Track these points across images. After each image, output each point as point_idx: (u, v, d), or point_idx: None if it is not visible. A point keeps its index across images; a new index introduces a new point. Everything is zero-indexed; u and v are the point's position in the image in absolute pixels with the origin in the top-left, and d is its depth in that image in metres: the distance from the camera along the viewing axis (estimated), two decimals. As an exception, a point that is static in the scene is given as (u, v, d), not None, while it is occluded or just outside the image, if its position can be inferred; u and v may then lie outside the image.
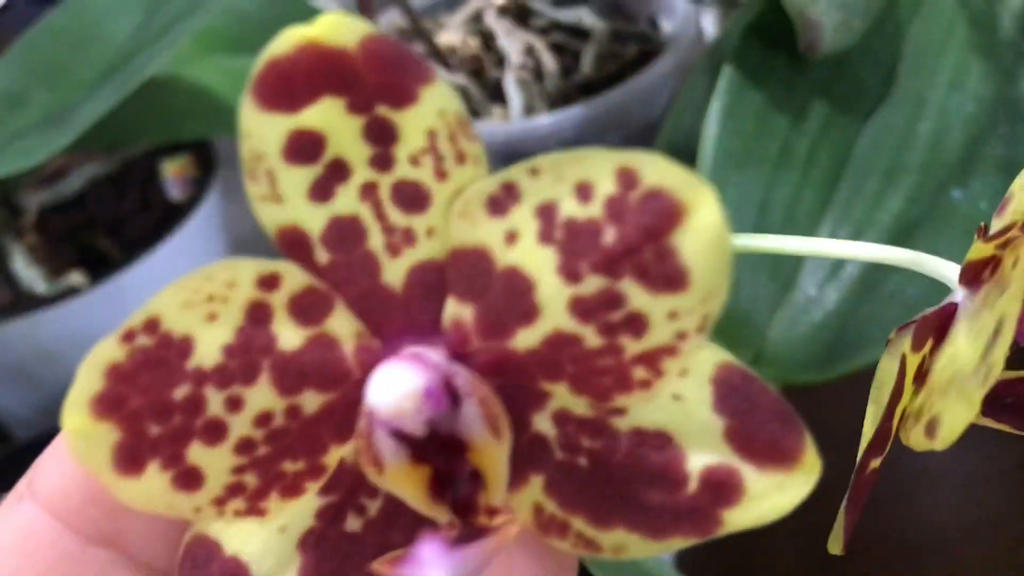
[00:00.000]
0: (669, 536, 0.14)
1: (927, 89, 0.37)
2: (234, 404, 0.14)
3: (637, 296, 0.13)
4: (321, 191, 0.14)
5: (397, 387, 0.13)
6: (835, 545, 0.17)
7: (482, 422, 0.14)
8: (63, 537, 0.16)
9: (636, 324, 0.13)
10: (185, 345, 0.13)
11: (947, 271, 0.18)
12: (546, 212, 0.13)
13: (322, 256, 0.14)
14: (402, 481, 0.14)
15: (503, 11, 0.52)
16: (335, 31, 0.13)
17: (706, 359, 0.14)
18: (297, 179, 0.13)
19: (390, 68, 0.13)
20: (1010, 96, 0.37)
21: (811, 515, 0.47)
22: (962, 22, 0.38)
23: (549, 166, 0.13)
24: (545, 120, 0.46)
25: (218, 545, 0.15)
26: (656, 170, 0.13)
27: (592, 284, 0.13)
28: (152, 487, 0.14)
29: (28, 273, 0.45)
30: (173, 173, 0.47)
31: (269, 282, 0.14)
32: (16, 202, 0.48)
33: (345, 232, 0.14)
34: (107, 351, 0.13)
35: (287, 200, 0.14)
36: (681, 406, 0.14)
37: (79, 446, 0.14)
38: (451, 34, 0.51)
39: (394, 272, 0.14)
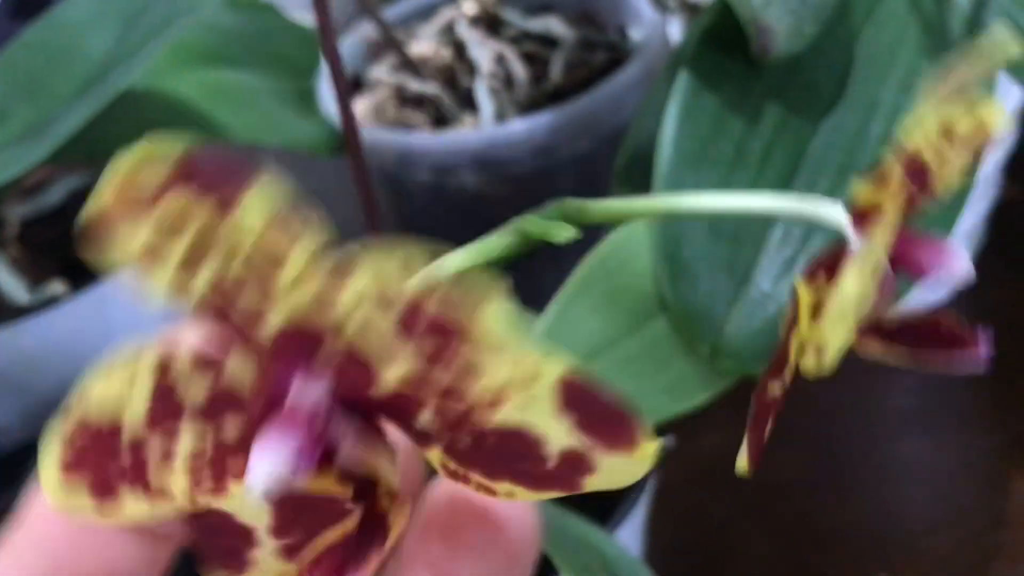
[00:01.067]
0: (545, 490, 0.16)
1: (879, 91, 0.38)
2: (170, 440, 0.16)
3: (451, 374, 0.15)
4: (190, 265, 0.15)
5: (266, 469, 0.15)
6: (742, 465, 0.18)
7: (359, 453, 0.16)
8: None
9: (458, 392, 0.15)
10: (113, 426, 0.16)
11: (837, 215, 0.19)
12: (366, 313, 0.14)
13: (205, 316, 0.15)
14: (314, 484, 0.16)
15: (475, 21, 0.53)
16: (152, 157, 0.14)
17: (550, 375, 0.15)
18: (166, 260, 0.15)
19: (215, 184, 0.14)
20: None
21: (782, 511, 0.49)
22: (913, 27, 0.39)
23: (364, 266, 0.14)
24: (516, 127, 0.47)
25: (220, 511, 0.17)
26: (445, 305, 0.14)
27: (420, 364, 0.15)
28: (133, 507, 0.17)
29: (10, 283, 0.46)
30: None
31: (167, 362, 0.16)
32: (-2, 214, 0.49)
33: (218, 301, 0.15)
34: (53, 444, 0.16)
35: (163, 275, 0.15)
36: (533, 409, 0.15)
37: (64, 501, 0.16)
38: (424, 44, 0.52)
39: (263, 331, 0.15)
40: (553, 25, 0.52)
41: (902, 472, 0.50)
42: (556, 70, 0.51)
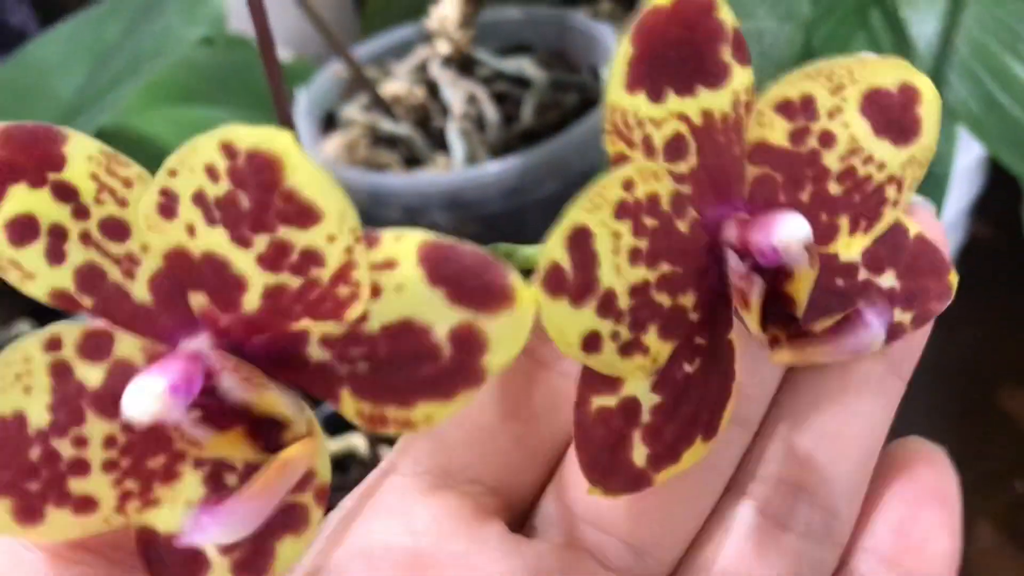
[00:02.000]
0: (457, 393, 0.16)
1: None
2: (80, 442, 0.17)
3: (294, 236, 0.15)
4: (55, 255, 0.16)
5: (142, 398, 0.15)
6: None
7: (242, 384, 0.16)
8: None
9: (312, 257, 0.15)
10: (19, 419, 0.16)
11: None
12: (199, 199, 0.15)
13: (86, 301, 0.16)
14: (223, 447, 0.16)
15: (448, 61, 0.53)
16: None
17: (408, 245, 0.16)
18: (32, 255, 0.16)
19: (31, 147, 0.16)
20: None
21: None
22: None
23: (178, 162, 0.15)
24: (487, 169, 0.47)
25: (156, 532, 0.17)
26: (242, 136, 0.15)
27: (262, 243, 0.15)
28: (59, 524, 0.17)
29: (-25, 322, 0.46)
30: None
31: (53, 344, 0.17)
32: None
33: (89, 276, 0.16)
34: None
35: (36, 274, 0.16)
36: (405, 294, 0.16)
37: None
38: (397, 83, 0.52)
39: (140, 289, 0.16)
40: (526, 66, 0.53)
41: None
42: (527, 112, 0.51)
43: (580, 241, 0.17)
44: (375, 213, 0.48)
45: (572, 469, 0.20)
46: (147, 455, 0.17)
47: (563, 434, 0.21)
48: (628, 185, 0.17)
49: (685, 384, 0.19)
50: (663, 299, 0.18)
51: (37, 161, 0.16)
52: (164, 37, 0.39)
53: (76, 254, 0.16)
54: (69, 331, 0.16)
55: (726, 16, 0.18)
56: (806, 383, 0.21)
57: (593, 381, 0.18)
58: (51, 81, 0.44)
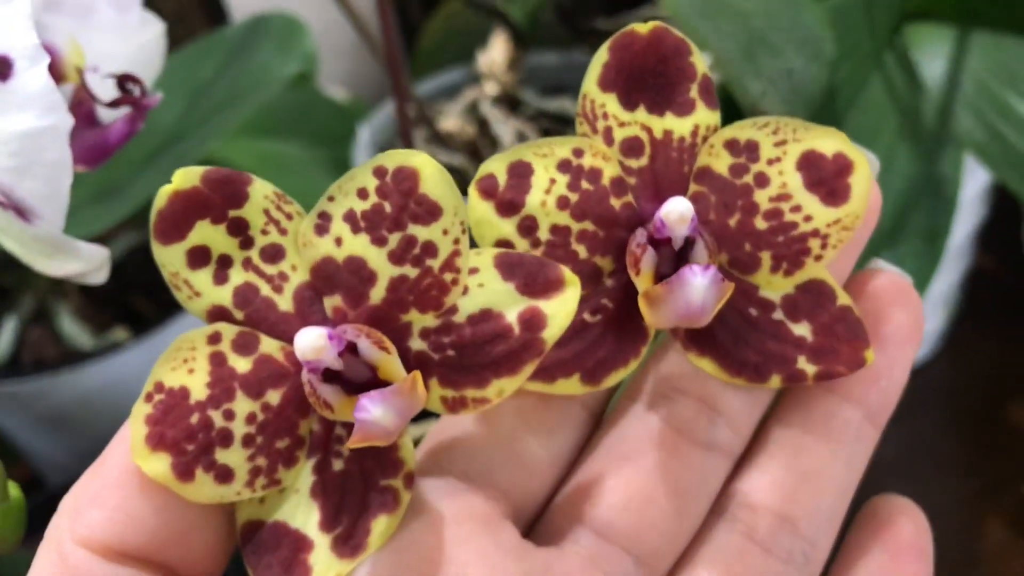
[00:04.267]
0: (523, 366, 0.20)
1: (862, 169, 0.43)
2: (229, 415, 0.20)
3: (419, 231, 0.20)
4: (220, 278, 0.20)
5: (309, 337, 0.19)
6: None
7: (373, 346, 0.20)
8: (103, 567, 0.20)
9: (429, 248, 0.20)
10: (184, 391, 0.20)
11: None
12: (349, 216, 0.20)
13: (238, 315, 0.20)
14: (344, 410, 0.20)
15: (496, 101, 0.58)
16: (186, 179, 0.20)
17: (487, 256, 0.21)
18: (203, 278, 0.20)
19: (226, 186, 0.20)
20: (933, 175, 0.43)
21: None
22: (892, 112, 0.44)
23: (336, 189, 0.20)
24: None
25: (263, 522, 0.21)
26: (391, 158, 0.20)
27: (394, 240, 0.20)
28: (204, 487, 0.20)
29: (73, 330, 0.51)
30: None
31: (215, 338, 0.20)
32: (61, 268, 0.53)
33: (245, 293, 0.21)
34: (140, 409, 0.20)
35: (203, 293, 0.20)
36: (486, 289, 0.21)
37: (153, 472, 0.19)
38: (451, 120, 0.57)
39: (285, 301, 0.21)
40: (567, 105, 0.58)
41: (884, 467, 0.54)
42: (572, 145, 0.56)
43: (520, 170, 0.21)
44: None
45: (579, 482, 0.22)
46: (277, 436, 0.20)
47: (572, 448, 0.23)
48: (578, 152, 0.22)
49: (582, 327, 0.22)
50: (580, 250, 0.22)
51: (225, 198, 0.20)
52: (260, 73, 0.44)
53: (237, 277, 0.20)
54: (227, 329, 0.20)
55: (696, 61, 0.22)
56: (791, 426, 0.23)
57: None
58: (151, 112, 0.48)
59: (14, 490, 0.22)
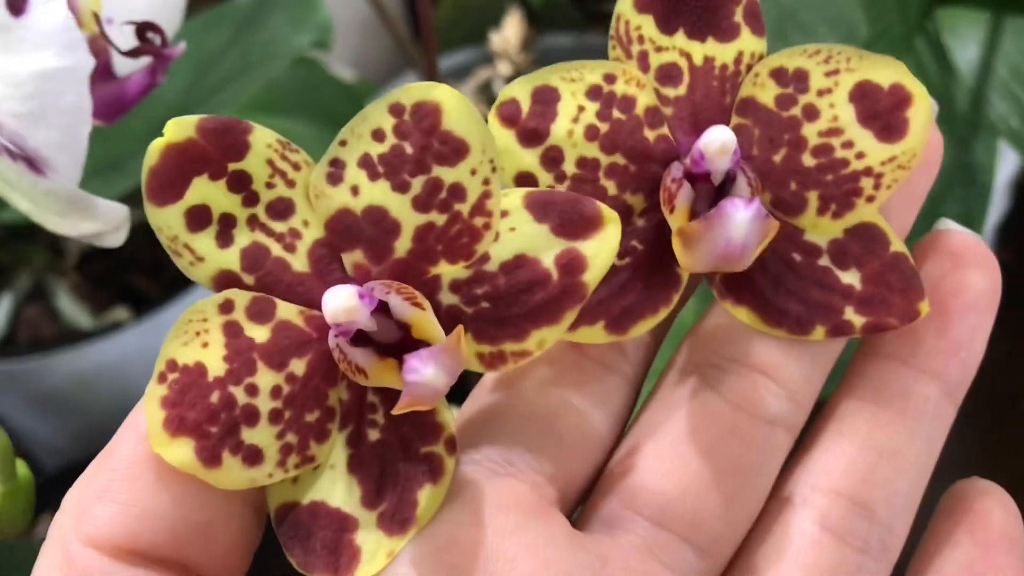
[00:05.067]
0: (564, 313, 0.19)
1: (893, 155, 0.42)
2: (252, 390, 0.18)
3: (444, 173, 0.18)
4: (224, 240, 0.18)
5: (340, 297, 0.18)
6: None
7: (406, 303, 0.18)
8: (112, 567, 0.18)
9: (457, 191, 0.18)
10: (200, 368, 0.18)
11: None
12: (365, 161, 0.18)
13: (248, 279, 0.19)
14: (380, 374, 0.18)
15: (509, 81, 0.57)
16: (179, 130, 0.18)
17: (515, 197, 0.19)
18: (205, 241, 0.18)
19: (223, 136, 0.18)
20: (965, 162, 0.42)
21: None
22: (923, 98, 0.43)
23: (348, 132, 0.18)
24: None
25: (299, 503, 0.19)
26: (409, 93, 0.18)
27: (418, 184, 0.18)
28: (233, 471, 0.18)
29: (71, 308, 0.49)
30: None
31: (227, 306, 0.18)
32: (59, 244, 0.52)
33: (253, 255, 0.19)
34: (154, 391, 0.18)
35: (206, 257, 0.18)
36: (518, 233, 0.19)
37: (175, 460, 0.18)
38: (463, 101, 0.56)
39: (299, 261, 0.19)
40: (583, 87, 0.56)
41: None
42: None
43: (545, 95, 0.20)
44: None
45: (628, 463, 0.21)
46: (305, 409, 0.19)
47: (616, 424, 0.21)
48: (609, 78, 0.20)
49: (609, 271, 0.20)
50: (609, 186, 0.20)
51: (224, 149, 0.18)
52: (272, 45, 0.42)
53: (243, 237, 0.18)
54: (239, 296, 0.18)
55: None
56: (864, 402, 0.21)
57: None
58: (156, 85, 0.47)
59: (22, 468, 0.21)
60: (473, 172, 0.18)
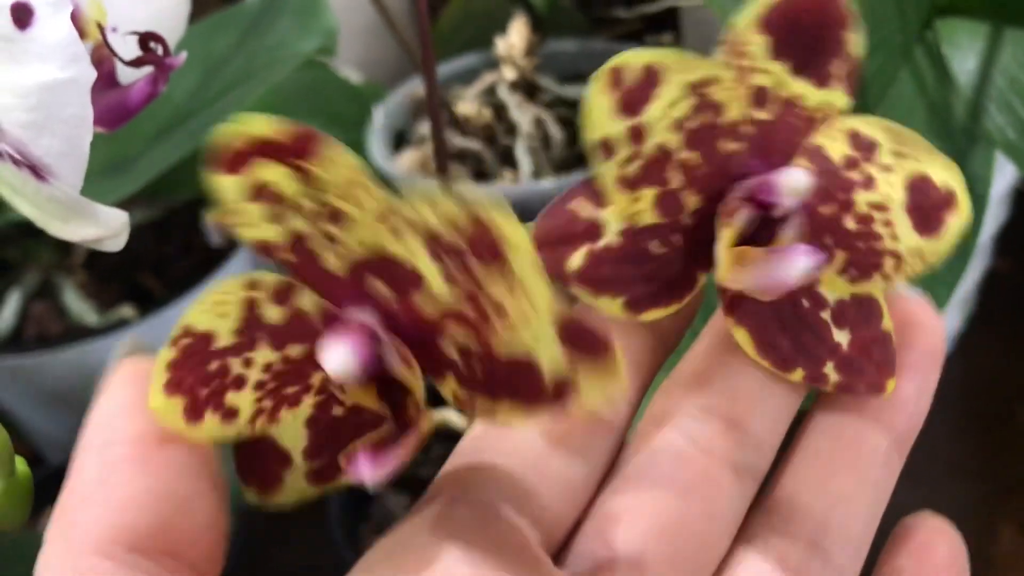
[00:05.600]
0: (538, 411, 0.19)
1: (890, 164, 0.42)
2: (248, 363, 0.20)
3: (492, 289, 0.18)
4: (277, 218, 0.19)
5: (340, 360, 0.18)
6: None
7: (398, 361, 0.19)
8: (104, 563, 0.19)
9: (496, 306, 0.18)
10: (209, 336, 0.19)
11: None
12: (432, 241, 0.18)
13: (285, 255, 0.19)
14: (359, 396, 0.20)
15: (514, 86, 0.57)
16: (260, 126, 0.18)
17: (550, 312, 0.18)
18: (257, 211, 0.19)
19: (302, 139, 0.18)
20: (963, 173, 0.42)
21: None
22: (921, 108, 0.43)
23: (423, 204, 0.18)
24: (551, 183, 0.51)
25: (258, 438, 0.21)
26: (490, 216, 0.18)
27: (462, 281, 0.18)
28: (210, 427, 0.20)
29: (79, 306, 0.50)
30: (214, 221, 0.52)
31: (252, 285, 0.19)
32: (67, 242, 0.52)
33: (296, 239, 0.19)
34: (164, 354, 0.19)
35: (255, 225, 0.19)
36: (540, 344, 0.19)
37: (162, 416, 0.19)
38: (467, 105, 0.57)
39: (332, 261, 0.19)
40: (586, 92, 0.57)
41: (897, 517, 0.53)
42: (590, 133, 0.55)
43: (652, 75, 0.20)
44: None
45: (609, 507, 0.22)
46: (287, 383, 0.20)
47: (601, 470, 0.22)
48: (711, 81, 0.20)
49: (644, 255, 0.21)
50: (675, 177, 0.21)
51: (298, 151, 0.18)
52: (278, 50, 0.43)
53: (292, 221, 0.19)
54: (266, 278, 0.19)
55: (852, 40, 0.21)
56: (820, 451, 0.23)
57: (586, 191, 0.21)
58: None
59: (20, 465, 0.21)
60: (513, 293, 0.18)
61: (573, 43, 0.62)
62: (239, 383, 0.20)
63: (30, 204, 0.20)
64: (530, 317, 0.19)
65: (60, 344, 0.48)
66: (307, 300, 0.20)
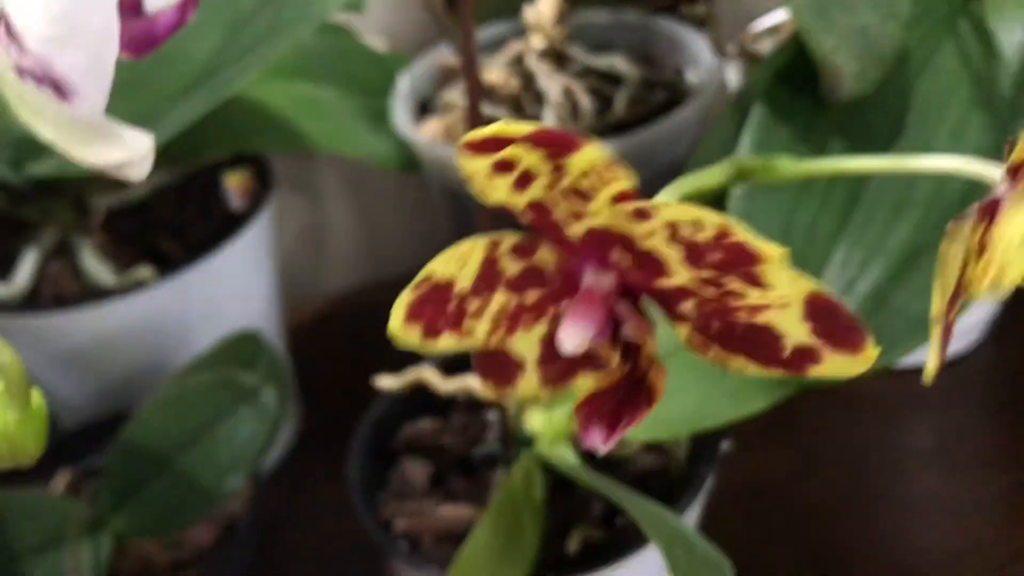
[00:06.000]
0: (774, 369, 0.20)
1: (932, 137, 0.41)
2: (486, 300, 0.22)
3: (734, 283, 0.20)
4: (520, 187, 0.20)
5: (576, 339, 0.21)
6: (930, 370, 0.22)
7: (636, 331, 0.22)
8: None
9: (736, 294, 0.20)
10: (449, 283, 0.22)
11: (991, 171, 0.23)
12: (673, 233, 0.20)
13: (527, 217, 0.21)
14: (607, 354, 0.22)
15: (543, 55, 0.56)
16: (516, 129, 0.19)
17: (800, 289, 0.19)
18: (503, 181, 0.20)
19: (558, 140, 0.19)
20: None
21: (811, 536, 0.51)
22: (965, 80, 0.42)
23: (677, 206, 0.19)
24: (579, 154, 0.50)
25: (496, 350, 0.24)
26: (741, 233, 0.19)
27: (706, 270, 0.20)
28: (447, 343, 0.23)
29: (96, 267, 0.49)
30: (234, 185, 0.51)
31: (494, 244, 0.22)
32: (85, 203, 0.52)
33: (538, 208, 0.21)
34: (404, 297, 0.22)
35: (498, 190, 0.21)
36: (782, 316, 0.20)
37: (400, 339, 0.22)
38: (494, 73, 0.55)
39: (574, 231, 0.21)
40: (617, 63, 0.56)
41: (926, 505, 0.52)
42: (620, 104, 0.54)
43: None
44: (469, 191, 0.51)
45: None
46: (524, 315, 0.23)
47: None
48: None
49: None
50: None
51: (556, 149, 0.19)
52: (305, 6, 0.42)
53: (536, 191, 0.20)
54: (508, 237, 0.22)
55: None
56: None
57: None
58: (187, 43, 0.47)
59: (36, 397, 0.20)
60: (761, 289, 0.20)
61: (605, 14, 0.60)
62: (477, 314, 0.22)
63: (52, 126, 0.19)
64: (780, 305, 0.19)
65: (76, 305, 0.47)
66: (544, 256, 0.22)
